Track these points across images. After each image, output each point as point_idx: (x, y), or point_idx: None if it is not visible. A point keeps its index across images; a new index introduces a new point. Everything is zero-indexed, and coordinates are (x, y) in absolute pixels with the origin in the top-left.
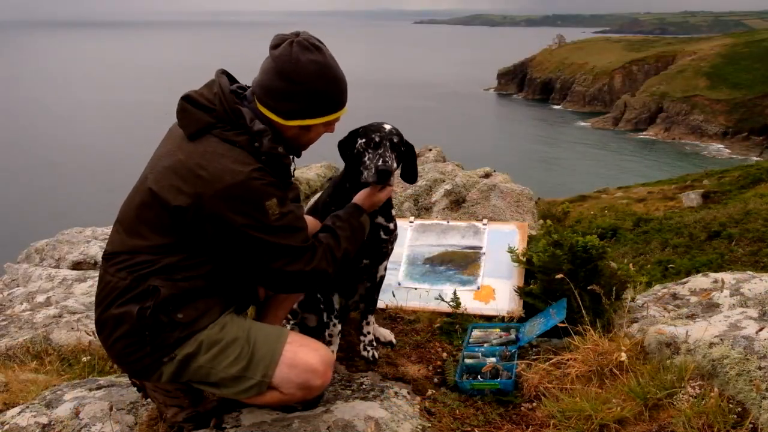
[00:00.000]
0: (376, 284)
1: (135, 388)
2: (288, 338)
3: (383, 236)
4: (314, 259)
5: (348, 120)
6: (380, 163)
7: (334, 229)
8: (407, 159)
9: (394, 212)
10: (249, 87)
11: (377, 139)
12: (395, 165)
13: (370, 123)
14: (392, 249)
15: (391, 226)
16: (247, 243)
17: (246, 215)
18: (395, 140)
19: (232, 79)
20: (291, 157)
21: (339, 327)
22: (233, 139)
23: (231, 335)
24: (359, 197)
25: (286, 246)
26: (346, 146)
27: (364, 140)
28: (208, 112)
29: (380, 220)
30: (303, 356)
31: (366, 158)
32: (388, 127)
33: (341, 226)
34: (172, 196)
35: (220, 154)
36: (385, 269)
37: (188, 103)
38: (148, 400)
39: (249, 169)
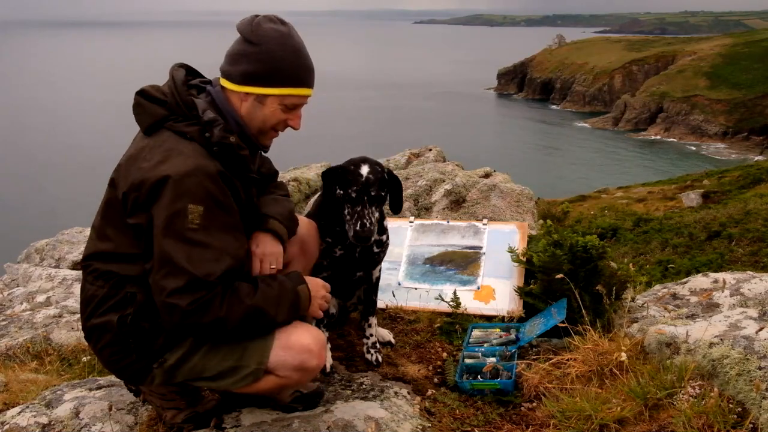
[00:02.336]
0: (373, 285)
1: (132, 393)
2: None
3: (376, 249)
4: (206, 306)
5: (350, 120)
6: (358, 227)
7: (259, 289)
8: (392, 191)
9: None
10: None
11: (354, 195)
12: (375, 225)
13: (348, 162)
14: (384, 255)
15: (384, 237)
16: (155, 242)
17: (166, 210)
18: (373, 193)
19: (195, 74)
20: (256, 153)
21: (326, 334)
22: (183, 130)
23: None
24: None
25: (181, 268)
26: (326, 181)
27: (341, 191)
28: (161, 105)
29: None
30: (297, 338)
31: (346, 212)
32: (365, 171)
33: (265, 290)
34: (122, 188)
35: (169, 148)
36: (380, 270)
37: (142, 98)
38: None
39: (192, 165)
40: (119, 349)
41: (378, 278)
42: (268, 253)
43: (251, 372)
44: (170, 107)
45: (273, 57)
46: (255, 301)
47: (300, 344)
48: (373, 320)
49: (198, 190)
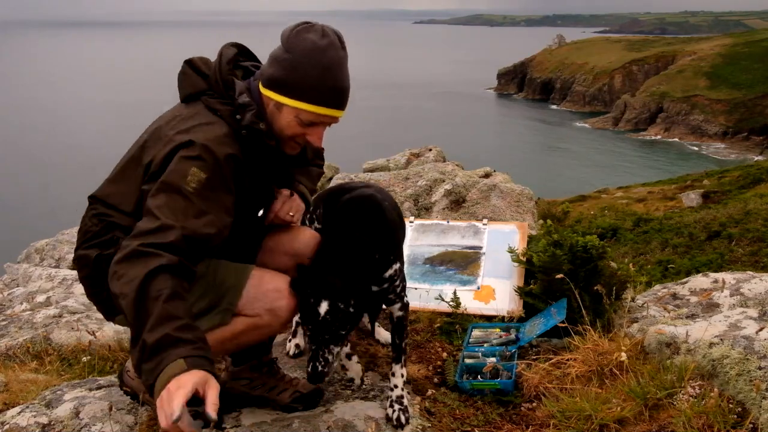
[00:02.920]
0: (395, 325)
1: (129, 396)
2: (254, 269)
3: (375, 289)
4: (148, 255)
5: (350, 120)
6: (309, 369)
7: (168, 303)
8: (372, 308)
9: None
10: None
11: (308, 333)
12: (332, 364)
13: (309, 289)
14: (401, 286)
15: (388, 273)
16: (150, 192)
17: (172, 167)
18: (327, 337)
19: (249, 56)
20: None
21: (338, 349)
22: (216, 107)
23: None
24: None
25: (159, 214)
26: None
27: (300, 319)
28: (204, 77)
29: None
30: (269, 279)
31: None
32: (323, 310)
33: (167, 310)
34: (149, 155)
35: (198, 121)
36: (401, 309)
37: (189, 67)
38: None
39: (213, 138)
40: (96, 282)
41: (401, 317)
42: (292, 198)
43: (220, 311)
44: (209, 82)
45: (297, 68)
46: (155, 309)
47: (271, 284)
48: (398, 369)
49: (209, 161)
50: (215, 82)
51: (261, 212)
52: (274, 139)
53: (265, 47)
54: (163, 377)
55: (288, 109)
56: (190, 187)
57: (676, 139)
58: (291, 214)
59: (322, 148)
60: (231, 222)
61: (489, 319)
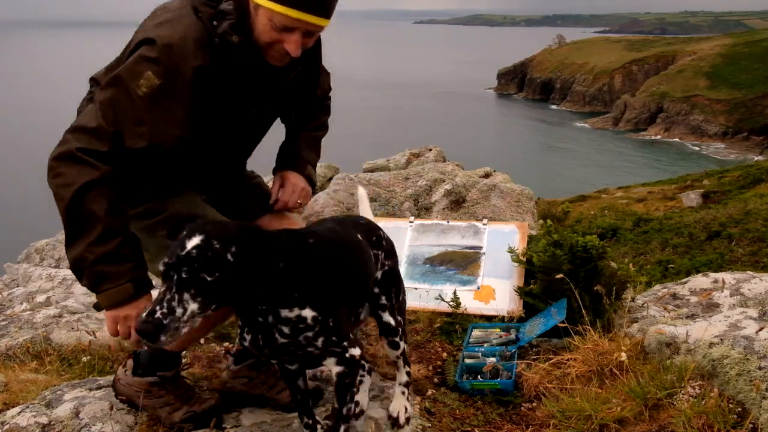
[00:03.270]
0: (335, 385)
1: (125, 404)
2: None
3: (286, 331)
4: (88, 165)
5: (350, 120)
6: (144, 315)
7: (113, 219)
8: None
9: (395, 210)
10: None
11: (162, 268)
12: (180, 324)
13: (187, 223)
14: (327, 341)
15: (303, 314)
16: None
17: (128, 64)
18: (184, 275)
19: None
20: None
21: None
22: (200, 8)
23: (174, 209)
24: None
25: (103, 113)
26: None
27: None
28: None
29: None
30: None
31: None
32: (192, 242)
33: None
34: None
35: (176, 15)
36: (339, 365)
37: None
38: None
39: (180, 41)
40: None
41: (339, 374)
42: (301, 186)
43: None
44: None
45: None
46: (97, 224)
47: None
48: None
49: (167, 67)
50: None
51: (272, 199)
52: (250, 53)
53: None
54: (114, 297)
55: (263, 10)
56: (140, 91)
57: (676, 139)
58: (299, 201)
59: (329, 96)
60: (181, 135)
61: (489, 319)
